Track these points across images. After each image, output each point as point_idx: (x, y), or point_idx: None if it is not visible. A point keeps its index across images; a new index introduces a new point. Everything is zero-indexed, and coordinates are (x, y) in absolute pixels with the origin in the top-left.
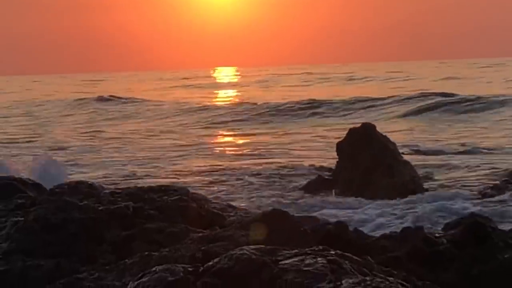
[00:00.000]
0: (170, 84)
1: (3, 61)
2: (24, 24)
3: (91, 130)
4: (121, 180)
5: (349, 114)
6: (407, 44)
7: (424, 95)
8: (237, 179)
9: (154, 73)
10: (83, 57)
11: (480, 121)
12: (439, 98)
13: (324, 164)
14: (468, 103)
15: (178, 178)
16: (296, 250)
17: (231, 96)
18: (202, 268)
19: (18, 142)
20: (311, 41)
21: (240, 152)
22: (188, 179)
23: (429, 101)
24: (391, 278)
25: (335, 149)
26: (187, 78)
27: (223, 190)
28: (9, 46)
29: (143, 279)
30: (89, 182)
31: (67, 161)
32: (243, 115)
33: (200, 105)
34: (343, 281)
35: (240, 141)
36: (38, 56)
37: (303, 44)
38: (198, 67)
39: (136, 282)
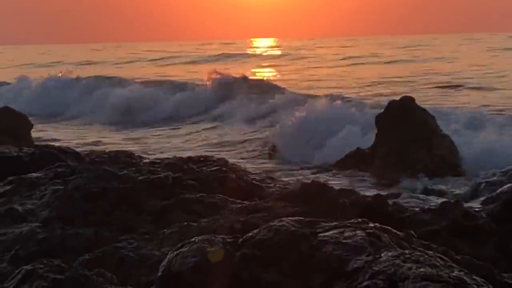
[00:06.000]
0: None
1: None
2: None
3: None
4: None
5: None
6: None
7: None
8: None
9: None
10: (112, 26)
11: None
12: None
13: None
14: None
15: None
16: (335, 223)
17: None
18: (241, 239)
19: None
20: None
21: None
22: None
23: None
24: (430, 252)
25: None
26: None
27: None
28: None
29: (183, 249)
30: (128, 152)
31: None
32: None
33: None
34: (382, 254)
35: None
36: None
37: (345, 16)
38: (236, 38)
39: (175, 252)
